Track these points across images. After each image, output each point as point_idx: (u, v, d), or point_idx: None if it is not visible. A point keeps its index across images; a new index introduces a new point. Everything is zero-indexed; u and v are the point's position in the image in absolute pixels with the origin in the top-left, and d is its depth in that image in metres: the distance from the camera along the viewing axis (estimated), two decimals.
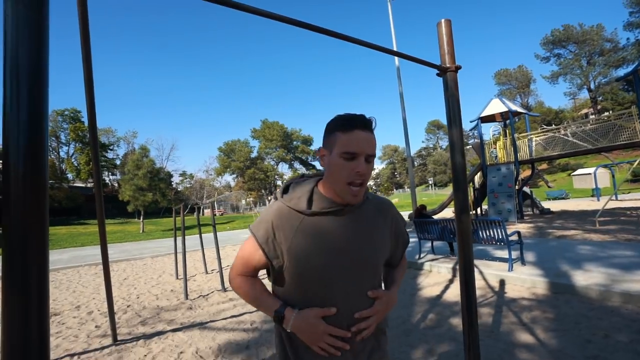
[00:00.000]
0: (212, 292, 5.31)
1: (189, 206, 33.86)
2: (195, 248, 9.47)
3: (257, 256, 0.97)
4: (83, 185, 39.84)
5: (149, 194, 22.23)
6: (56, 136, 40.47)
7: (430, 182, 72.03)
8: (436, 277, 5.33)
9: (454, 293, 4.37)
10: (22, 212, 0.55)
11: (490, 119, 14.84)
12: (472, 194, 14.13)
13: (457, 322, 3.34)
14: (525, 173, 15.55)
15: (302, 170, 60.98)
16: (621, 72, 43.04)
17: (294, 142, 63.38)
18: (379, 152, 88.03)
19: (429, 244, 7.27)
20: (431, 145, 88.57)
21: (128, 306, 4.74)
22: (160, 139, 54.28)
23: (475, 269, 5.02)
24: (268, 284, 1.09)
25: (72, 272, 8.14)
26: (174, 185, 34.94)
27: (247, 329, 3.55)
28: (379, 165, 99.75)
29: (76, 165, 37.27)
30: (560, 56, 52.77)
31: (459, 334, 3.02)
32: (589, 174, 25.30)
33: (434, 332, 3.17)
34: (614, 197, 19.01)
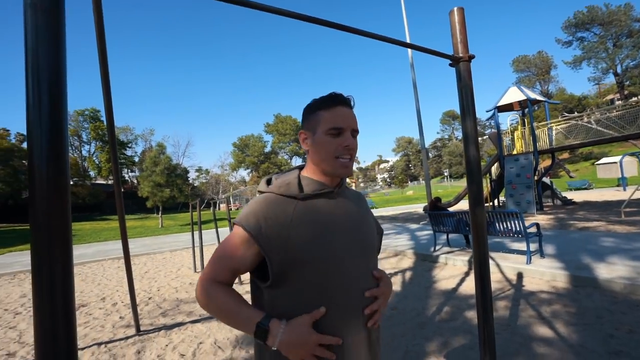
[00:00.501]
0: None
1: (205, 201, 34.62)
2: (212, 242, 9.69)
3: (246, 253, 0.85)
4: (104, 182, 41.27)
5: (167, 190, 22.84)
6: (78, 135, 41.85)
7: (445, 174, 70.80)
8: (451, 269, 5.28)
9: (469, 286, 4.32)
10: (47, 213, 0.59)
11: (507, 108, 14.37)
12: (489, 185, 13.80)
13: (472, 315, 3.31)
14: (545, 163, 15.05)
15: None
16: None
17: None
18: (392, 145, 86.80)
19: (444, 237, 7.21)
20: (446, 136, 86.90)
21: (149, 298, 4.92)
22: (176, 135, 54.97)
23: (492, 262, 4.94)
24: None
25: (97, 266, 8.50)
26: (190, 181, 35.65)
27: None
28: (393, 158, 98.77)
29: (97, 163, 38.54)
30: (584, 39, 50.30)
31: (474, 327, 2.99)
32: (615, 162, 24.30)
33: (449, 325, 3.15)
34: None
